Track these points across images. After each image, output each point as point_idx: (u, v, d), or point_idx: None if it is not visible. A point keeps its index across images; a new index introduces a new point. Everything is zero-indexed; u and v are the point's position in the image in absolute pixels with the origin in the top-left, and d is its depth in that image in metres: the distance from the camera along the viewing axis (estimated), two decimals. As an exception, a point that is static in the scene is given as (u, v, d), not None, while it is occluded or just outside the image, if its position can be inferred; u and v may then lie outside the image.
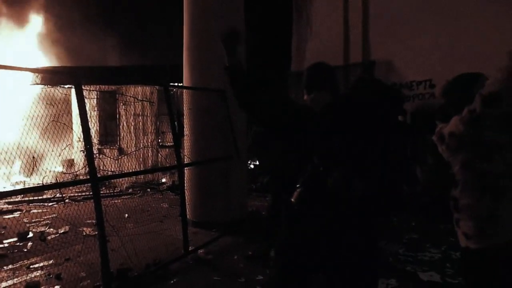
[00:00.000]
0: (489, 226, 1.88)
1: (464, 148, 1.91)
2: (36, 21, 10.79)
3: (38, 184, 7.60)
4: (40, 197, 7.62)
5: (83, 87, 3.57)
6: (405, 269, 4.07)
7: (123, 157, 9.34)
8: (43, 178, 8.74)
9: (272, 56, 8.77)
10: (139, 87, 9.91)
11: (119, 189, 8.78)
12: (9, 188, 7.60)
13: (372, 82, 2.39)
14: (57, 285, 3.69)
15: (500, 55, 6.49)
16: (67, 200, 7.31)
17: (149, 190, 8.69)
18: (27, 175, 8.67)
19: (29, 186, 5.91)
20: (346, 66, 7.88)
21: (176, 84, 6.02)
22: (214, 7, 5.52)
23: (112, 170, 8.54)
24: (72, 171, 9.90)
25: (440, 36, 6.80)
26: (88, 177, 3.65)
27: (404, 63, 7.29)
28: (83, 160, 10.14)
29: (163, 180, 9.16)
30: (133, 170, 8.78)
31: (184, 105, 5.81)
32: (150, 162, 9.89)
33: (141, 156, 9.83)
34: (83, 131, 3.51)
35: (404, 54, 7.23)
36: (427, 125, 7.31)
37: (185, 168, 5.09)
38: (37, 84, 9.26)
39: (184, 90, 5.90)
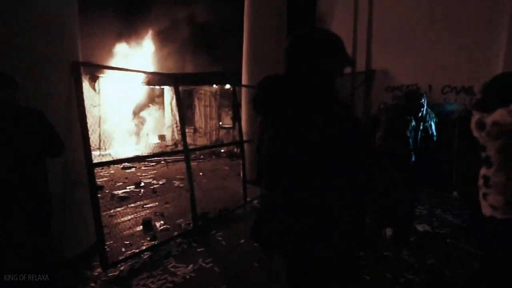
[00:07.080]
0: None
1: (504, 136, 1.51)
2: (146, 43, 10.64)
3: (149, 153, 7.83)
4: (147, 159, 7.61)
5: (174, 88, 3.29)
6: (404, 221, 3.64)
7: (200, 135, 9.27)
8: (153, 148, 8.84)
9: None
10: (207, 87, 9.63)
11: (193, 155, 8.66)
12: (129, 154, 7.57)
13: None
14: (161, 220, 3.55)
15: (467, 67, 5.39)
16: (162, 162, 7.25)
17: (213, 156, 8.51)
18: (137, 144, 8.70)
19: (147, 154, 5.89)
20: (353, 74, 7.21)
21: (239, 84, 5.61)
22: (263, 33, 5.12)
23: (190, 143, 8.42)
24: (164, 143, 9.92)
25: (422, 50, 6.02)
26: (181, 148, 3.46)
27: (396, 70, 6.56)
28: (170, 135, 10.13)
29: (222, 150, 8.91)
30: (206, 144, 8.69)
31: (242, 99, 5.47)
32: (214, 138, 9.71)
33: (208, 134, 9.68)
34: (179, 116, 3.29)
35: (396, 64, 6.50)
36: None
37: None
38: (145, 85, 9.23)
39: (243, 88, 5.48)
